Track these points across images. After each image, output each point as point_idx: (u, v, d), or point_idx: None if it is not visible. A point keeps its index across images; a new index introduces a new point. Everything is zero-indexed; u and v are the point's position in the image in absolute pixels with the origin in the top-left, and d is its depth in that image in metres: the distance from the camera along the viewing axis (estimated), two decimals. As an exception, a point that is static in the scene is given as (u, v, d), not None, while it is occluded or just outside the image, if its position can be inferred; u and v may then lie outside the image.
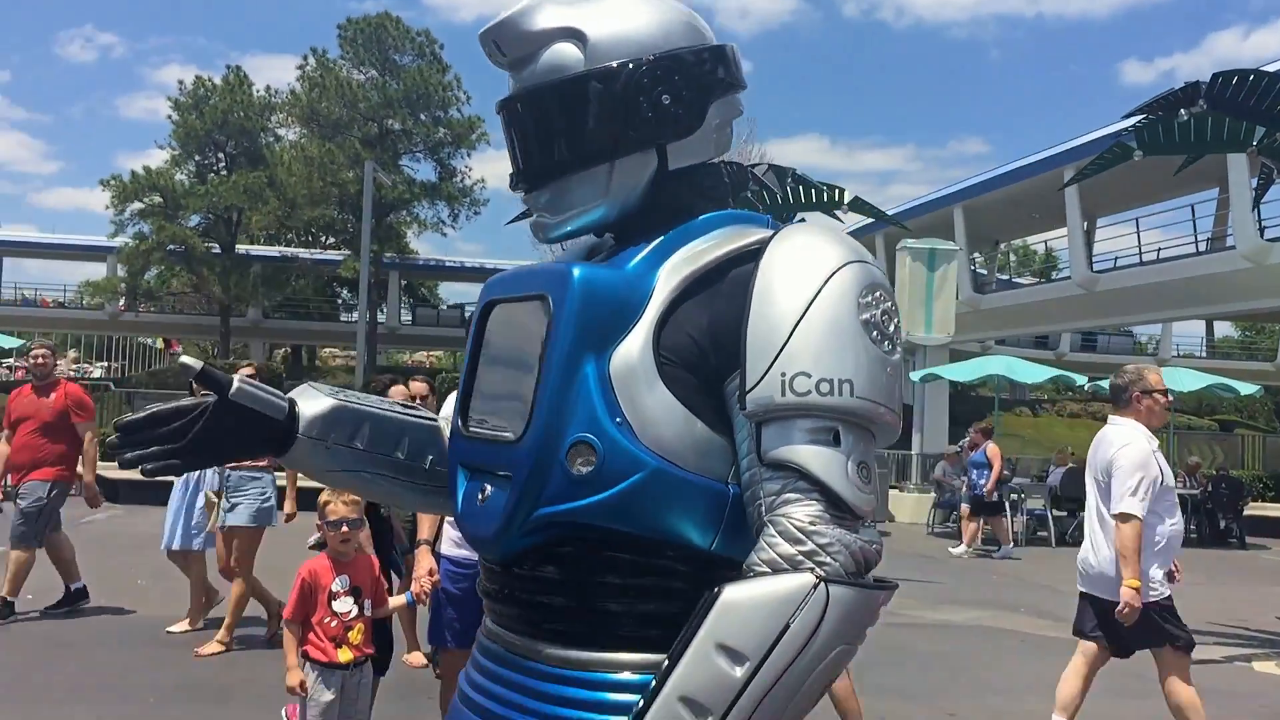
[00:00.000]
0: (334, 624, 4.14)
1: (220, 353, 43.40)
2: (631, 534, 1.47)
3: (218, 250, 41.33)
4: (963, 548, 14.83)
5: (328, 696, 4.10)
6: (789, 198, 11.45)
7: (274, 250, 45.48)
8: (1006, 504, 15.29)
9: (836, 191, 11.61)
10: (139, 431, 1.69)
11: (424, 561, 4.51)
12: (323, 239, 45.99)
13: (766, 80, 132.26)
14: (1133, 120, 7.67)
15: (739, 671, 1.29)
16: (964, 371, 20.16)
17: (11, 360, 53.19)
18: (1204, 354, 50.29)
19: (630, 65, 1.57)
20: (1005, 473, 15.34)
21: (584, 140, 1.59)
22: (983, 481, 14.83)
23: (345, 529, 4.18)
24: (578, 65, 1.58)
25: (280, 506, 7.15)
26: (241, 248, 43.13)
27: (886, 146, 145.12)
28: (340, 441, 1.79)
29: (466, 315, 44.28)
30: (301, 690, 4.10)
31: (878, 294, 1.44)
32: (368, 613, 4.25)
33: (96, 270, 47.68)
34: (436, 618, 4.55)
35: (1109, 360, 42.64)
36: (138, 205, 39.94)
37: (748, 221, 1.63)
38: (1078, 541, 17.67)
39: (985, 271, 37.60)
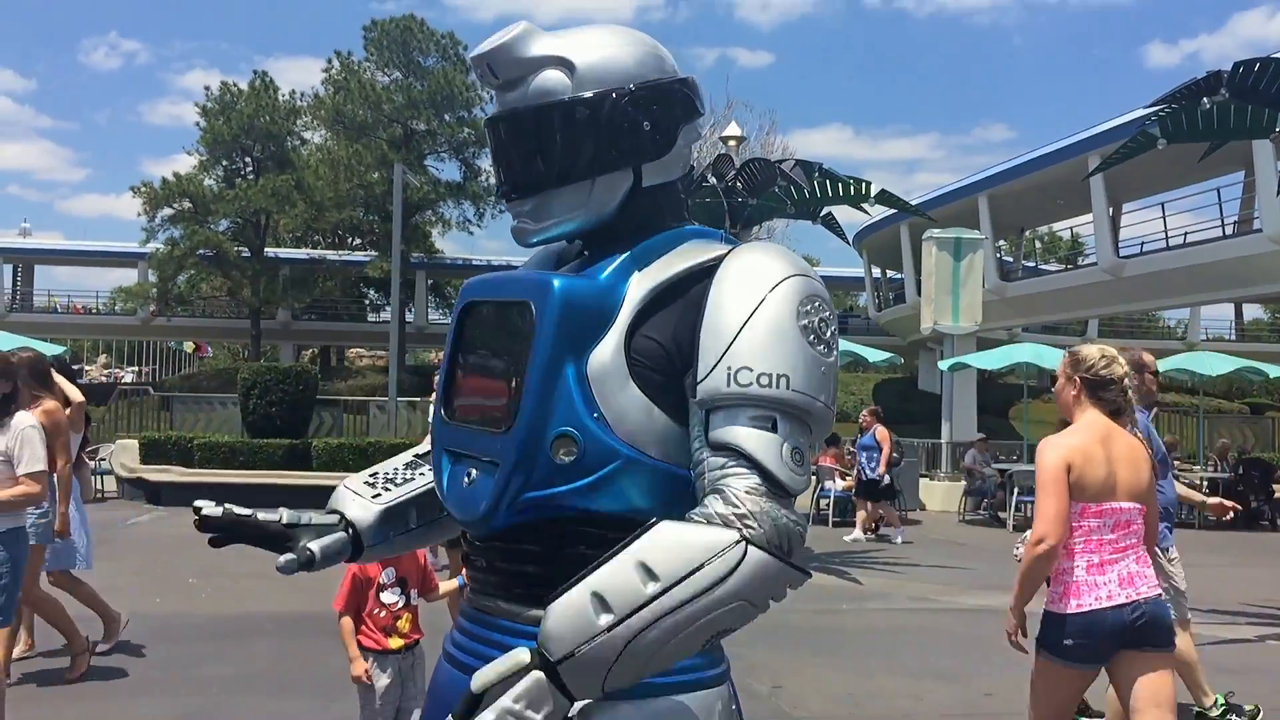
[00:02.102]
0: (383, 615, 4.38)
1: (252, 354, 43.81)
2: (603, 512, 1.68)
3: (247, 254, 41.68)
4: (856, 533, 14.56)
5: (385, 680, 4.37)
6: (816, 192, 11.59)
7: (302, 253, 45.83)
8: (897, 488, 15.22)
9: (863, 185, 11.74)
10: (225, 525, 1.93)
11: None
12: (350, 240, 46.35)
13: (789, 71, 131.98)
14: (1156, 109, 7.78)
15: (649, 588, 1.47)
16: (991, 360, 20.21)
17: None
18: (1234, 337, 49.96)
19: (614, 94, 1.77)
20: (895, 455, 14.96)
21: (572, 158, 1.78)
22: (873, 465, 14.44)
23: None
24: (565, 90, 1.76)
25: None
26: (270, 251, 43.42)
27: (911, 135, 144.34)
28: (399, 532, 2.07)
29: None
30: (367, 678, 4.32)
31: (816, 304, 1.66)
32: (414, 601, 4.49)
33: (125, 276, 48.21)
34: None
35: (1136, 346, 42.47)
36: (168, 211, 40.36)
37: (707, 237, 1.84)
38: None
39: (1011, 259, 37.56)
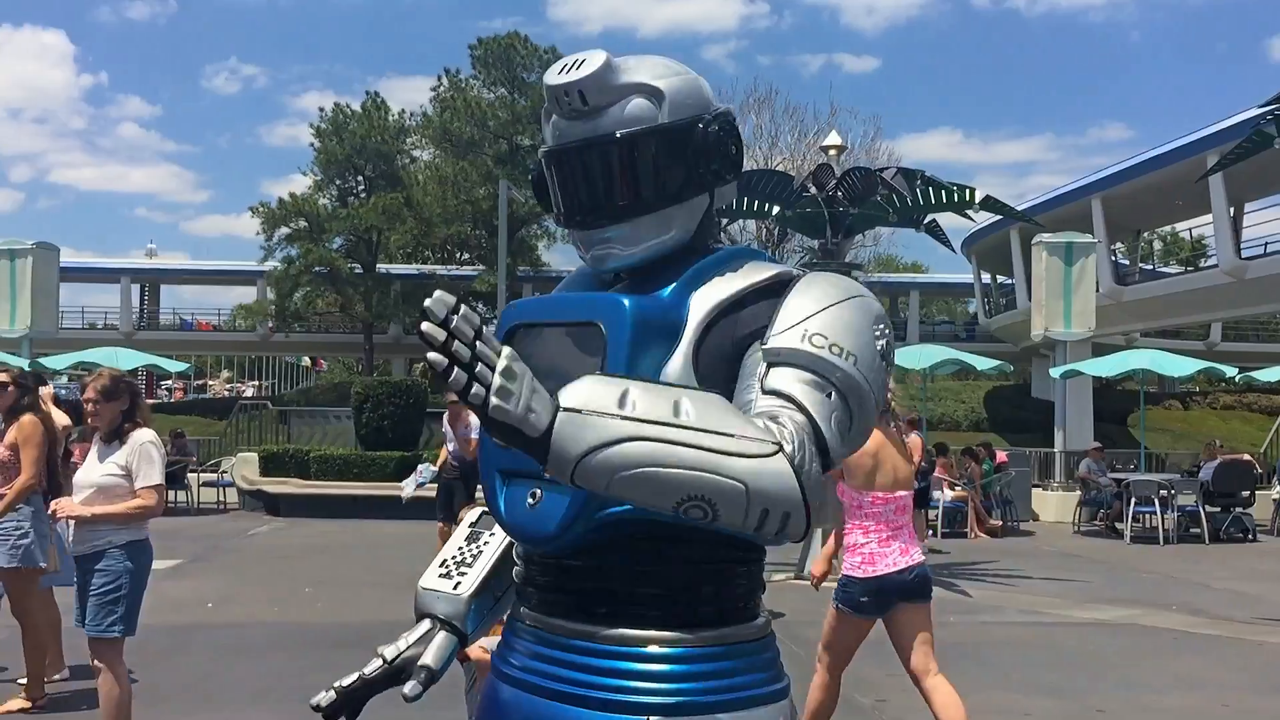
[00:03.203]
0: None
1: (365, 368, 44.84)
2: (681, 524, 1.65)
3: (360, 270, 42.77)
4: None
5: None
6: (919, 200, 11.46)
7: (412, 268, 46.82)
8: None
9: (967, 191, 11.58)
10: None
11: None
12: (458, 255, 47.18)
13: (896, 76, 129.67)
14: (1270, 108, 7.54)
15: (677, 418, 1.46)
16: (1107, 366, 19.65)
17: (170, 382, 56.04)
18: (1367, 339, 47.86)
19: (707, 118, 1.83)
20: (923, 464, 14.61)
21: (665, 183, 1.82)
22: None
23: None
24: (653, 117, 1.80)
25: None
26: (382, 267, 44.49)
27: (1023, 137, 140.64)
28: (489, 606, 2.05)
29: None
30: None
31: (886, 326, 1.76)
32: None
33: (245, 294, 49.79)
34: None
35: (1262, 350, 41.00)
36: (285, 230, 41.61)
37: (758, 257, 1.90)
38: (1232, 538, 17.11)
39: (1127, 262, 36.56)
